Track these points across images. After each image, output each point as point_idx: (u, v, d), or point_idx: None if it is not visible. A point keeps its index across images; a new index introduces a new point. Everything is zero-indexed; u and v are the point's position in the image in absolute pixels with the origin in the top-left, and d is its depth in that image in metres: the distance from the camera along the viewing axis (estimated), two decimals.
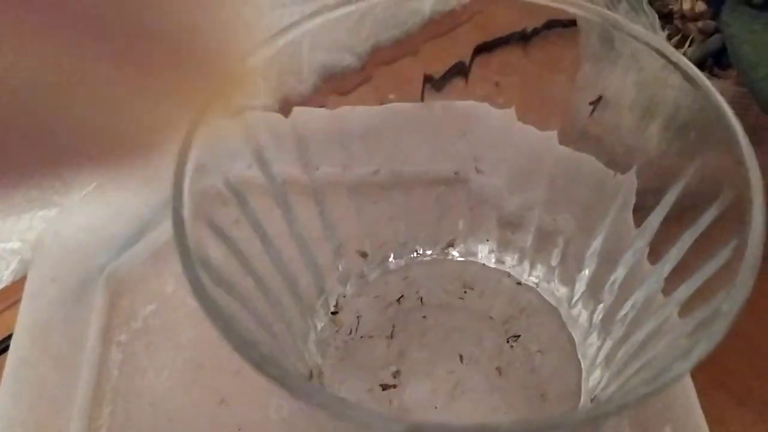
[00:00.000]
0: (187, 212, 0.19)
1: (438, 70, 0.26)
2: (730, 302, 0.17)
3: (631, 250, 0.25)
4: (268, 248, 0.24)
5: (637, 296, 0.25)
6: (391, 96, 0.27)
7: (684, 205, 0.24)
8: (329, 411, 0.15)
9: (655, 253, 0.24)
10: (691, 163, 0.23)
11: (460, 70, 0.26)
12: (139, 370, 0.28)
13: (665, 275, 0.24)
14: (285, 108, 0.24)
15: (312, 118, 0.25)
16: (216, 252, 0.21)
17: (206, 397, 0.27)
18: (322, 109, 0.26)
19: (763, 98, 0.23)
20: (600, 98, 0.27)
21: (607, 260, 0.26)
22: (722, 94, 0.18)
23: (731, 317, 0.17)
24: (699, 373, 0.25)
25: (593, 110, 0.27)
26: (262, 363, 0.16)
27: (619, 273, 0.26)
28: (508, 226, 0.29)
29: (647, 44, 0.20)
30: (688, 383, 0.25)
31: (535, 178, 0.28)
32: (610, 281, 0.27)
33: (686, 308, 0.22)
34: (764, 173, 0.17)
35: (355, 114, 0.26)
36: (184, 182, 0.19)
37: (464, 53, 0.26)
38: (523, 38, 0.25)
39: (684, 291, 0.22)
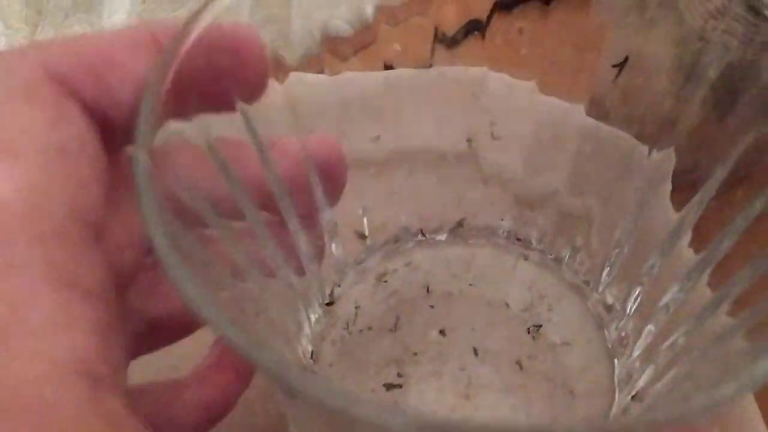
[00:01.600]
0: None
1: (450, 29, 0.23)
2: None
3: (669, 236, 0.22)
4: (256, 228, 0.20)
5: (681, 286, 0.22)
6: (397, 60, 0.23)
7: (735, 186, 0.21)
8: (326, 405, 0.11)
9: (701, 239, 0.21)
10: (744, 135, 0.20)
11: (475, 28, 0.23)
12: None
13: (712, 265, 0.21)
14: (279, 73, 0.21)
15: (308, 84, 0.22)
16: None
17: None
18: (320, 75, 0.23)
19: None
20: (626, 60, 0.24)
21: (642, 243, 0.23)
22: None
23: None
24: None
25: (618, 74, 0.24)
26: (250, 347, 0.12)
27: (656, 259, 0.23)
28: (526, 204, 0.26)
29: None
30: None
31: (558, 151, 0.25)
32: (647, 265, 0.23)
33: (740, 305, 0.19)
34: None
35: (355, 81, 0.23)
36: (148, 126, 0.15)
37: (481, 11, 0.23)
38: None
39: (739, 285, 0.19)
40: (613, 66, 0.24)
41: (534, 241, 0.27)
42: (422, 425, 0.11)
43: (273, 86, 0.21)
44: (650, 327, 0.23)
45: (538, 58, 0.24)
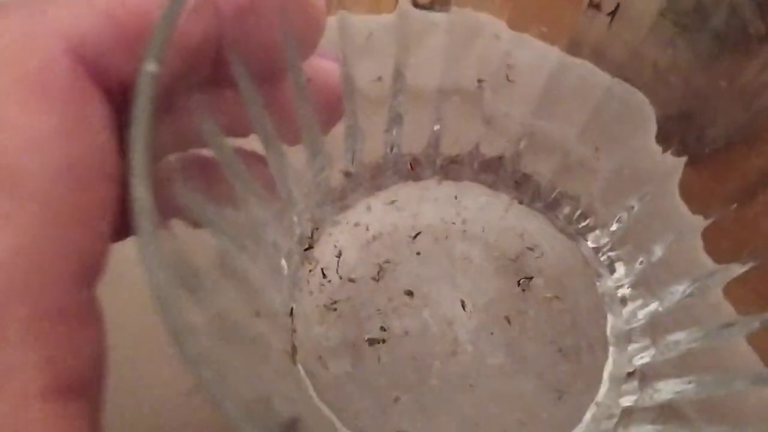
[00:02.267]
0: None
1: None
2: None
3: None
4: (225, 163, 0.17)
5: (693, 282, 0.20)
6: None
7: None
8: None
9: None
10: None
11: None
12: None
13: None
14: None
15: None
16: None
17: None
18: None
19: None
20: (618, 7, 0.21)
21: (651, 210, 0.21)
22: None
23: None
24: None
25: (611, 21, 0.21)
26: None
27: (667, 235, 0.22)
28: (530, 147, 0.24)
29: None
30: None
31: (568, 111, 0.22)
32: (654, 237, 0.22)
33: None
34: None
35: (359, 19, 0.19)
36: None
37: None
38: None
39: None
40: (607, 14, 0.22)
41: (531, 184, 0.25)
42: None
43: None
44: (657, 305, 0.22)
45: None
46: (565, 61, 0.22)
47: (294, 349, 0.21)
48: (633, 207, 0.23)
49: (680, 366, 0.20)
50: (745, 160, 0.21)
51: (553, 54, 0.22)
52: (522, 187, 0.25)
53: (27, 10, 0.11)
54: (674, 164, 0.21)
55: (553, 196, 0.24)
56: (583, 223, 0.24)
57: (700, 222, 0.21)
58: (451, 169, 0.25)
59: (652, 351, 0.21)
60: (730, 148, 0.21)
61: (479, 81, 0.22)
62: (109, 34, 0.11)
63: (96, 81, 0.11)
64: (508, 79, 0.22)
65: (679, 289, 0.21)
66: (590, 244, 0.24)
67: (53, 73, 0.10)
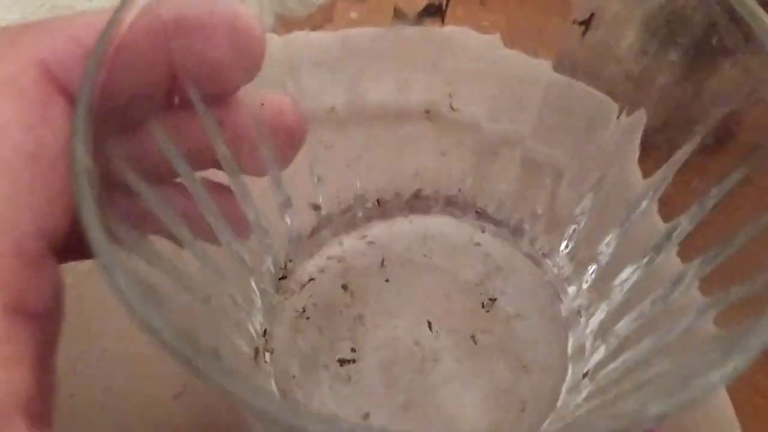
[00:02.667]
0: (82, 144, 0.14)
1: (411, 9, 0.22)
2: None
3: (635, 204, 0.21)
4: (194, 193, 0.19)
5: (643, 259, 0.22)
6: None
7: (708, 157, 0.20)
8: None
9: (668, 209, 0.20)
10: (719, 107, 0.19)
11: (434, 10, 0.22)
12: (87, 315, 0.24)
13: (679, 238, 0.21)
14: None
15: None
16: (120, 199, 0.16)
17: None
18: (269, 33, 0.22)
19: None
20: (591, 17, 0.23)
21: (604, 212, 0.23)
22: None
23: None
24: None
25: (585, 32, 0.23)
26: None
27: (618, 229, 0.23)
28: (488, 152, 0.25)
29: None
30: None
31: (522, 109, 0.24)
32: (606, 238, 0.23)
33: (711, 283, 0.18)
34: None
35: (308, 40, 0.21)
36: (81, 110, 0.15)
37: None
38: None
39: (706, 261, 0.19)
40: (579, 23, 0.23)
41: (492, 212, 0.27)
42: None
43: None
44: (605, 304, 0.23)
45: (501, 23, 0.23)
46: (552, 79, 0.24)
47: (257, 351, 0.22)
48: (586, 210, 0.24)
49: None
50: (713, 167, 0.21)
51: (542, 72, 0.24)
52: (484, 215, 0.27)
53: (10, 34, 0.14)
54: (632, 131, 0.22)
55: (513, 218, 0.26)
56: (543, 243, 0.26)
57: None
58: (415, 203, 0.27)
59: (602, 350, 0.22)
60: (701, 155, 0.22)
61: (426, 111, 0.24)
62: (75, 53, 0.14)
63: (62, 90, 0.14)
64: (452, 108, 0.24)
65: (627, 274, 0.22)
66: (551, 264, 0.26)
67: (23, 79, 0.13)
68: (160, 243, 0.16)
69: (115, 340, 0.24)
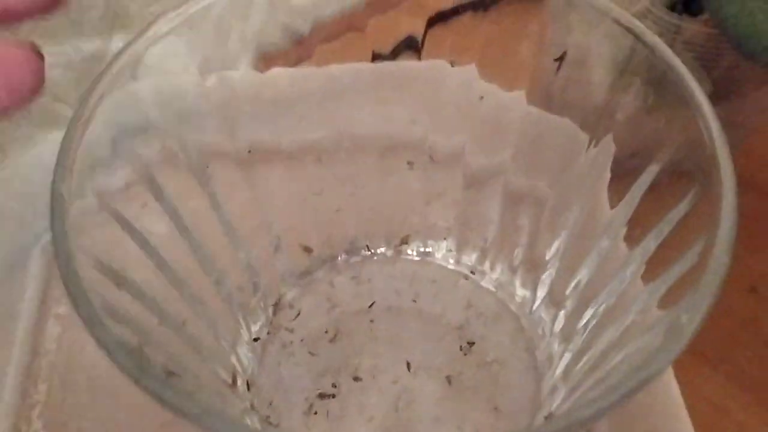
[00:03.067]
0: (67, 188, 0.16)
1: (387, 47, 0.24)
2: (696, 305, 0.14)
3: (602, 236, 0.22)
4: (185, 236, 0.22)
5: (604, 296, 0.22)
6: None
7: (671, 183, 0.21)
8: None
9: (631, 239, 0.21)
10: (675, 132, 0.20)
11: (411, 45, 0.24)
12: (78, 345, 0.26)
13: (639, 269, 0.21)
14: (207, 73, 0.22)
15: (237, 82, 0.22)
16: (112, 238, 0.19)
17: None
18: (250, 71, 0.24)
19: (734, 35, 0.21)
20: (564, 54, 0.24)
21: (575, 254, 0.23)
22: (693, 37, 0.15)
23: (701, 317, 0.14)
24: None
25: (559, 67, 0.24)
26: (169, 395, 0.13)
27: (585, 271, 0.24)
28: (468, 221, 0.27)
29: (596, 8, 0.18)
30: None
31: (501, 140, 0.25)
32: (574, 282, 0.24)
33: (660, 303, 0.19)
34: (738, 127, 0.15)
35: (289, 77, 0.23)
36: (70, 154, 0.17)
37: (416, 27, 0.23)
38: (482, 6, 0.22)
39: (657, 286, 0.20)
40: (554, 60, 0.25)
41: (475, 261, 0.28)
42: None
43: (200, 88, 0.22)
44: (570, 348, 0.24)
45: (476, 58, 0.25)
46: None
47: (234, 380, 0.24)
48: (558, 254, 0.25)
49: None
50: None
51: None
52: (471, 261, 0.28)
53: None
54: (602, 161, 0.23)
55: (495, 270, 0.27)
56: (523, 293, 0.27)
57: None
58: (403, 249, 0.28)
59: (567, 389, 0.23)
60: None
61: (409, 163, 0.26)
62: None
63: None
64: (432, 160, 0.26)
65: (590, 312, 0.22)
66: (528, 311, 0.27)
67: None
68: (140, 273, 0.18)
69: (102, 371, 0.26)
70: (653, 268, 0.20)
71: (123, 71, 0.19)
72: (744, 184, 0.15)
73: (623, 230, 0.22)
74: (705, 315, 0.14)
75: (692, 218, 0.18)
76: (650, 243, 0.20)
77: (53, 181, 0.16)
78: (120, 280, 0.17)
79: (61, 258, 0.15)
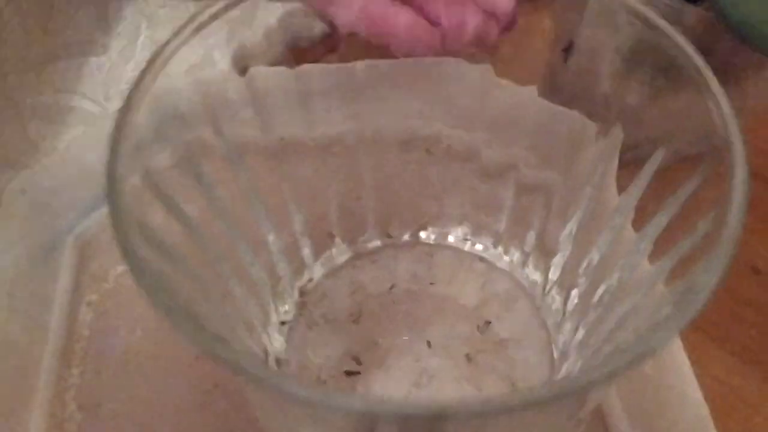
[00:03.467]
0: (121, 169, 0.18)
1: None
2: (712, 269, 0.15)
3: (611, 220, 0.24)
4: (221, 219, 0.23)
5: (614, 276, 0.24)
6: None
7: (670, 168, 0.22)
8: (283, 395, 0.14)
9: (639, 222, 0.22)
10: (681, 119, 0.21)
11: None
12: (111, 330, 0.28)
13: (647, 249, 0.23)
14: (241, 67, 0.23)
15: (270, 76, 0.24)
16: (162, 222, 0.20)
17: (181, 354, 0.26)
18: (281, 67, 0.25)
19: (733, 22, 0.22)
20: (572, 44, 0.25)
21: (585, 238, 0.25)
22: (693, 25, 0.17)
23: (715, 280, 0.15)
24: None
25: (566, 58, 0.26)
26: (212, 344, 0.15)
27: (595, 253, 0.25)
28: (483, 208, 0.28)
29: None
30: None
31: (516, 134, 0.27)
32: (585, 264, 0.25)
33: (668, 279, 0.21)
34: (737, 113, 0.16)
35: (317, 73, 0.24)
36: (122, 139, 0.18)
37: None
38: None
39: (663, 264, 0.21)
40: (562, 50, 0.26)
41: (490, 245, 0.29)
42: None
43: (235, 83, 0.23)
44: (585, 323, 0.25)
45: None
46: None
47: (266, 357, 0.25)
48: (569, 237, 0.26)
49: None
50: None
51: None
52: (486, 246, 0.29)
53: None
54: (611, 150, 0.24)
55: (509, 253, 0.29)
56: (537, 274, 0.28)
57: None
58: (420, 235, 0.30)
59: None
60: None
61: (426, 150, 0.27)
62: None
63: None
64: (449, 152, 0.27)
65: (603, 288, 0.24)
66: (541, 291, 0.28)
67: None
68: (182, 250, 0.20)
69: (132, 355, 0.27)
70: (662, 245, 0.21)
71: (163, 66, 0.20)
72: None
73: (631, 214, 0.24)
74: (718, 281, 0.15)
75: (699, 198, 0.20)
76: (659, 221, 0.22)
77: (107, 162, 0.18)
78: (169, 256, 0.18)
79: (120, 234, 0.17)
